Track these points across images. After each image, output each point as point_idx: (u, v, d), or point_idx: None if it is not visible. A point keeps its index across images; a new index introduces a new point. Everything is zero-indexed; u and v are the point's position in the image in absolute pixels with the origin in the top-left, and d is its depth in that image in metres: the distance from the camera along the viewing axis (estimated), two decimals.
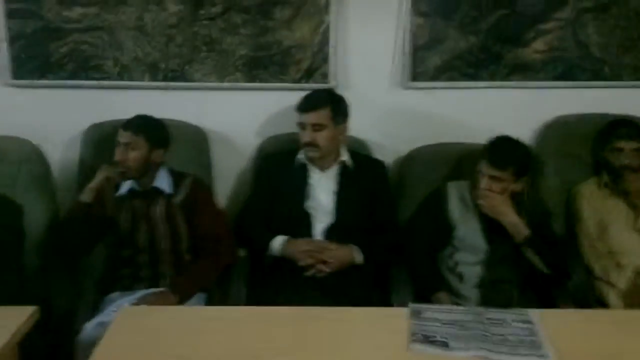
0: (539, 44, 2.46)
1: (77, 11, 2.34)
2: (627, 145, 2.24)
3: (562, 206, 2.38)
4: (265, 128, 2.51)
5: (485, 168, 2.07)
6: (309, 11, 2.38)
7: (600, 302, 2.15)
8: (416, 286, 2.13)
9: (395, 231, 2.26)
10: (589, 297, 2.16)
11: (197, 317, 1.68)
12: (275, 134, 2.47)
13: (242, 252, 2.27)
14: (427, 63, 2.46)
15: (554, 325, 1.55)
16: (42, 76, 2.40)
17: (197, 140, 2.43)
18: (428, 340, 1.47)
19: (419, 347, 1.44)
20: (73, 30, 2.35)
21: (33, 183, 2.26)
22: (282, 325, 1.56)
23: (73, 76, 2.40)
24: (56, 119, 2.45)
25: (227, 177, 2.55)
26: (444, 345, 1.45)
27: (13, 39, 2.35)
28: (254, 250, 2.26)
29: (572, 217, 2.34)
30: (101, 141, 2.33)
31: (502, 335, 1.50)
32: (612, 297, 2.13)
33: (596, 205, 2.28)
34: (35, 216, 2.19)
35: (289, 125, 2.32)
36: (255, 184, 2.36)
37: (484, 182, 2.06)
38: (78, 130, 2.40)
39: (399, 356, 1.43)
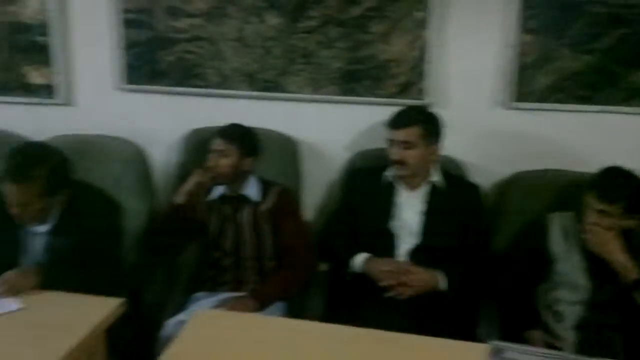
0: None
1: (184, 22, 2.45)
2: None
3: None
4: (357, 142, 2.49)
5: (592, 201, 1.90)
6: (406, 25, 2.32)
7: None
8: (506, 321, 1.99)
9: (487, 260, 2.14)
10: None
11: (270, 327, 1.68)
12: (366, 148, 2.44)
13: (323, 266, 2.25)
14: (534, 83, 2.30)
15: None
16: (150, 82, 2.54)
17: (289, 150, 2.46)
18: None
19: None
20: (180, 40, 2.48)
21: (136, 183, 2.39)
22: (357, 346, 1.53)
23: (178, 83, 2.52)
24: (160, 123, 2.59)
25: (315, 189, 2.55)
26: None
27: (127, 47, 2.51)
28: (335, 265, 2.23)
29: None
30: (199, 146, 2.40)
31: None
32: None
33: None
34: (136, 214, 2.30)
35: (380, 141, 2.27)
36: (342, 199, 2.34)
37: (591, 216, 1.90)
38: (179, 135, 2.52)
39: None
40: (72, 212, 1.91)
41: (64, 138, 2.43)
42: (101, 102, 2.61)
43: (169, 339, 1.85)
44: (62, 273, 1.82)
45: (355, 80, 2.41)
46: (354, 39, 2.36)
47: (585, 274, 1.95)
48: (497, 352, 1.50)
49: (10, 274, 1.75)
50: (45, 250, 1.91)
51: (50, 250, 1.90)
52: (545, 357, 1.50)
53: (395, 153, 2.12)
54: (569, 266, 1.97)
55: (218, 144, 2.15)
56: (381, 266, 2.07)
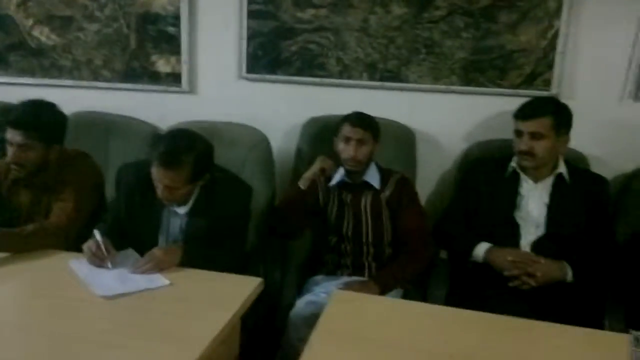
0: None
1: (309, 12, 2.52)
2: None
3: None
4: (473, 132, 2.50)
5: None
6: (537, 15, 2.31)
7: None
8: (631, 311, 1.97)
9: (613, 251, 2.11)
10: None
11: (409, 310, 1.73)
12: (484, 139, 2.44)
13: (443, 254, 2.28)
14: None
15: None
16: (272, 71, 2.63)
17: (405, 139, 2.49)
18: None
19: None
20: (304, 30, 2.54)
21: (258, 168, 2.48)
22: (487, 331, 1.55)
23: (299, 73, 2.60)
24: (280, 111, 2.68)
25: (430, 178, 2.59)
26: None
27: (250, 37, 2.60)
28: (454, 253, 2.25)
29: None
30: (318, 133, 2.49)
31: None
32: None
33: None
34: (257, 198, 2.36)
35: (498, 131, 2.28)
36: (461, 187, 2.35)
37: None
38: (298, 122, 2.60)
39: None
40: (210, 196, 1.99)
41: (189, 125, 2.50)
42: (223, 90, 2.72)
43: (301, 317, 1.94)
44: (199, 252, 1.90)
45: (477, 70, 2.42)
46: (481, 29, 2.37)
47: None
48: (639, 342, 1.49)
49: (156, 251, 1.85)
50: (182, 230, 2.01)
51: (188, 231, 1.99)
52: None
53: (523, 143, 2.11)
54: None
55: (356, 132, 2.16)
56: (506, 256, 2.07)
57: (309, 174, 2.19)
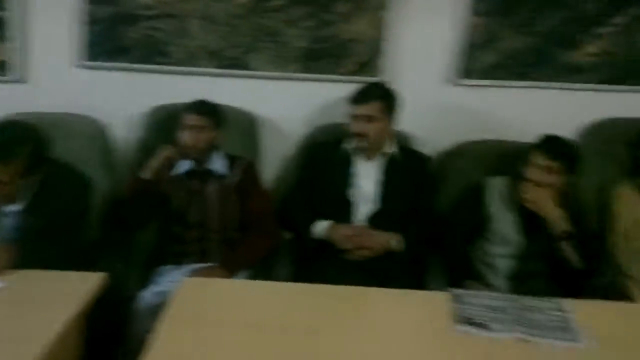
0: (591, 47, 2.52)
1: None
2: None
3: (595, 204, 2.46)
4: (314, 118, 2.62)
5: (538, 158, 2.12)
6: (368, 6, 2.46)
7: (626, 298, 2.19)
8: (450, 274, 2.21)
9: (434, 221, 2.35)
10: (613, 292, 2.20)
11: (257, 289, 1.80)
12: (324, 123, 2.57)
13: (287, 235, 2.37)
14: (481, 61, 2.53)
15: (586, 314, 1.64)
16: (112, 59, 2.54)
17: (248, 125, 2.54)
18: (470, 322, 1.57)
19: (463, 328, 1.55)
20: (145, 17, 2.48)
21: (97, 159, 2.40)
22: (332, 302, 1.68)
23: (140, 60, 2.54)
24: (122, 99, 2.60)
25: (273, 162, 2.67)
26: (486, 327, 1.55)
27: (89, 23, 2.48)
28: (298, 233, 2.35)
29: (605, 215, 2.41)
30: (161, 122, 2.45)
31: (537, 320, 1.60)
32: (636, 292, 2.19)
33: (631, 206, 2.34)
34: (97, 191, 2.27)
35: (337, 116, 2.42)
36: (302, 170, 2.45)
37: (533, 173, 2.12)
38: (141, 111, 2.54)
39: (444, 336, 1.54)
40: (45, 191, 1.91)
41: (19, 117, 2.34)
42: (59, 79, 2.58)
43: (147, 309, 1.93)
44: (34, 250, 1.81)
45: (317, 58, 2.53)
46: (319, 19, 2.47)
47: (517, 230, 2.19)
48: (457, 297, 1.72)
49: None
50: (16, 229, 1.90)
51: (22, 229, 1.89)
52: (494, 299, 1.73)
53: (357, 126, 2.26)
54: (503, 224, 2.21)
55: (195, 119, 2.18)
56: (342, 231, 2.23)
57: (153, 164, 2.16)
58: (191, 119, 2.19)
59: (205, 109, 2.21)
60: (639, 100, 2.57)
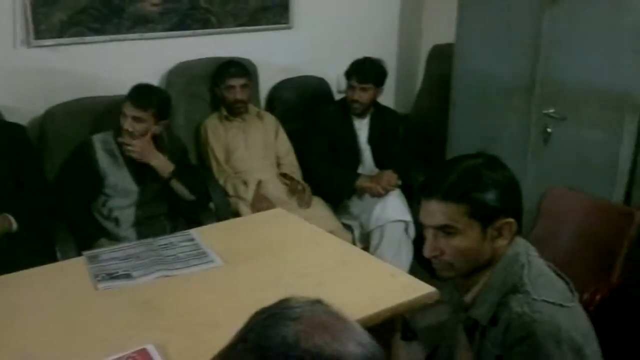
0: None
1: None
2: (237, 82, 2.70)
3: (193, 140, 2.77)
4: None
5: (128, 110, 2.23)
6: None
7: (236, 214, 2.58)
8: (78, 238, 2.20)
9: (44, 191, 2.27)
10: (226, 213, 2.56)
11: None
12: None
13: None
14: (52, 19, 2.43)
15: (211, 237, 1.91)
16: None
17: None
18: (112, 277, 1.65)
19: (106, 284, 1.61)
20: None
21: None
22: None
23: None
24: None
25: None
26: (128, 277, 1.65)
27: None
28: None
29: (202, 148, 2.75)
30: None
31: (173, 255, 1.78)
32: (243, 208, 2.61)
33: (221, 135, 2.73)
34: None
35: None
36: None
37: (126, 123, 2.23)
38: None
39: (90, 298, 1.57)
40: None
41: None
42: None
43: None
44: None
45: None
46: None
47: (132, 180, 2.33)
48: (92, 258, 1.76)
49: None
50: None
51: None
52: (128, 248, 1.83)
53: None
54: (118, 177, 2.31)
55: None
56: None
57: None
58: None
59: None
60: (205, 42, 2.89)
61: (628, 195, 2.35)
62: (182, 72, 2.81)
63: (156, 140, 2.33)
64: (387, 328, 1.59)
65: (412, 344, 2.25)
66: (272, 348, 0.64)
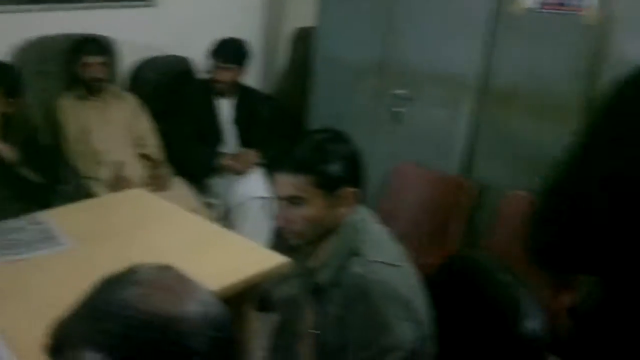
0: None
1: None
2: (94, 60, 2.61)
3: (44, 120, 2.63)
4: None
5: None
6: None
7: (91, 196, 2.47)
8: None
9: None
10: (80, 194, 2.44)
11: None
12: None
13: None
14: None
15: (63, 219, 1.86)
16: None
17: None
18: None
19: None
20: None
21: None
22: None
23: None
24: None
25: None
26: None
27: None
28: None
29: (56, 127, 2.62)
30: None
31: (18, 239, 1.72)
32: (99, 188, 2.54)
33: (77, 114, 2.63)
34: None
35: None
36: None
37: None
38: None
39: None
40: None
41: None
42: None
43: None
44: None
45: None
46: None
47: None
48: None
49: None
50: None
51: None
52: None
53: None
54: None
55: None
56: None
57: None
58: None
59: None
60: (60, 18, 2.74)
61: (467, 169, 2.61)
62: (35, 48, 2.66)
63: (7, 119, 2.19)
64: (243, 300, 1.66)
65: (269, 315, 2.34)
66: (112, 311, 0.66)
